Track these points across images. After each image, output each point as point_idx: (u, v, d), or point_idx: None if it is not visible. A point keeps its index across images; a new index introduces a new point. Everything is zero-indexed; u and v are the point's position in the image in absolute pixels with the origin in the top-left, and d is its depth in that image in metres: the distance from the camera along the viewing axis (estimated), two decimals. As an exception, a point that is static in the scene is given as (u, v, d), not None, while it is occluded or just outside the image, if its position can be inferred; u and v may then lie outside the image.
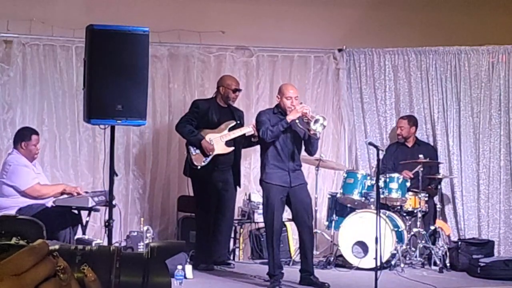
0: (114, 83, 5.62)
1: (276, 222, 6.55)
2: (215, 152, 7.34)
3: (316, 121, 6.43)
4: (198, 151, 7.34)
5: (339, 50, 8.67)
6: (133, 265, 1.07)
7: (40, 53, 7.80)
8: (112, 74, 5.62)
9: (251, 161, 8.36)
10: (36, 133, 6.99)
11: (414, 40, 8.65)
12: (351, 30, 8.68)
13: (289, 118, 6.46)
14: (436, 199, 8.26)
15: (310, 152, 6.72)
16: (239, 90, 7.58)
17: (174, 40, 8.18)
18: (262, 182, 6.65)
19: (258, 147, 8.04)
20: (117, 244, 6.81)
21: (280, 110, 6.66)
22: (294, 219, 6.72)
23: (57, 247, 1.05)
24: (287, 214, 7.05)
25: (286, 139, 6.58)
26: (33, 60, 7.76)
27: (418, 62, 8.54)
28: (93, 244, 6.01)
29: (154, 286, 1.07)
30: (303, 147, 6.76)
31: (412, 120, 8.31)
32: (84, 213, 6.83)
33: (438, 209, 8.07)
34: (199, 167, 7.32)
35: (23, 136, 6.88)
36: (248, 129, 7.44)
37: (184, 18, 8.21)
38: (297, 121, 6.52)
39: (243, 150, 7.71)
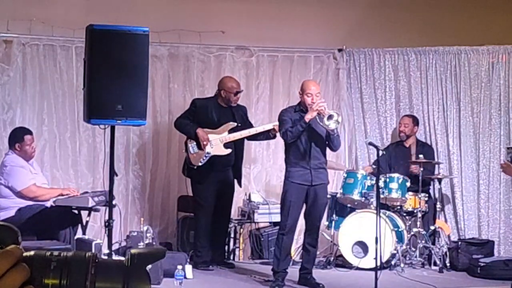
0: (114, 83, 5.62)
1: (290, 220, 6.58)
2: (213, 153, 7.34)
3: (330, 117, 6.40)
4: (196, 150, 7.34)
5: (339, 50, 8.67)
6: (111, 272, 1.06)
7: (40, 53, 7.79)
8: (112, 74, 5.62)
9: (251, 161, 8.35)
10: (29, 132, 6.96)
11: (414, 40, 8.64)
12: (351, 30, 8.68)
13: (307, 117, 6.43)
14: (435, 196, 8.26)
15: (332, 148, 6.73)
16: (241, 92, 7.59)
17: (174, 40, 8.18)
18: (284, 180, 6.68)
19: (263, 147, 8.04)
20: (117, 245, 6.81)
21: (301, 108, 6.64)
22: (305, 216, 6.73)
23: (32, 253, 1.05)
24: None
25: (308, 137, 6.56)
26: (33, 60, 7.76)
27: (418, 62, 8.54)
28: (93, 245, 6.02)
29: None
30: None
31: (416, 120, 8.33)
32: (84, 213, 6.83)
33: (438, 209, 8.07)
34: (196, 167, 7.32)
35: (16, 138, 6.87)
36: (249, 133, 7.45)
37: (184, 18, 8.21)
38: (316, 118, 6.52)
39: (245, 149, 7.71)
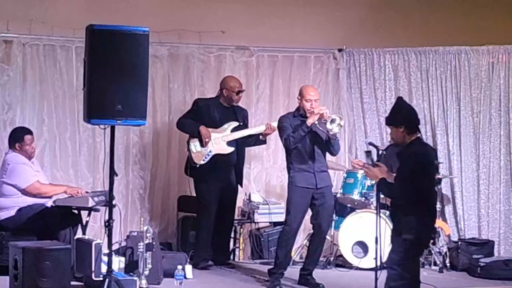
0: (114, 83, 5.61)
1: (294, 224, 6.59)
2: (215, 152, 7.34)
3: (333, 121, 6.44)
4: (199, 148, 7.34)
5: (339, 50, 8.67)
6: None
7: (40, 53, 7.80)
8: (112, 74, 5.60)
9: (251, 161, 8.35)
10: (29, 132, 6.98)
11: (414, 40, 8.64)
12: (351, 30, 8.68)
13: (309, 122, 6.46)
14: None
15: (332, 152, 6.75)
16: (243, 91, 7.60)
17: (174, 40, 8.18)
18: (288, 184, 6.68)
19: (262, 147, 8.04)
20: (117, 245, 6.80)
21: (300, 113, 6.66)
22: (312, 220, 6.76)
23: None
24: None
25: (309, 141, 6.59)
26: (33, 60, 7.76)
27: (418, 62, 8.54)
28: (93, 245, 6.01)
29: None
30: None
31: None
32: (84, 213, 6.84)
33: (438, 209, 8.06)
34: (198, 165, 7.32)
35: (16, 138, 6.88)
36: (250, 132, 7.47)
37: (184, 18, 8.21)
38: (316, 123, 6.52)
39: (246, 149, 7.71)
